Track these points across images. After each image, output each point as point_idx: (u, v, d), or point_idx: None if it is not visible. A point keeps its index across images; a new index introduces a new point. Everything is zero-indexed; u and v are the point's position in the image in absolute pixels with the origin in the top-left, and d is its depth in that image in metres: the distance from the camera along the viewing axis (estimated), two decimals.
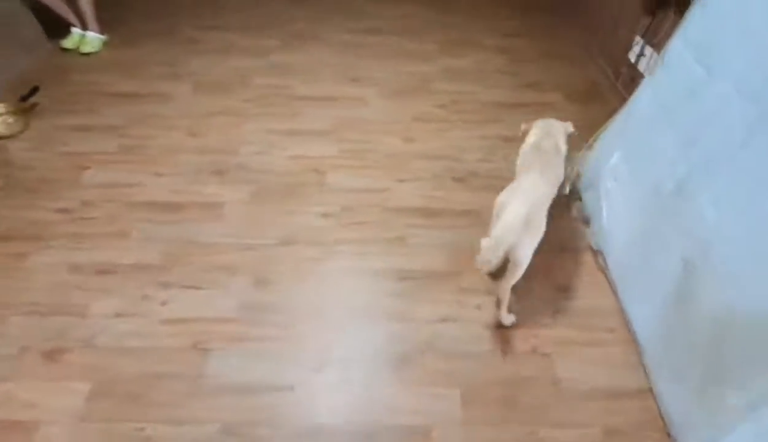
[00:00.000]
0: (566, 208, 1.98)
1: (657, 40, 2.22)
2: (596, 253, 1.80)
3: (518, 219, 1.35)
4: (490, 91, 2.74)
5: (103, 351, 1.47)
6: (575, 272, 1.76)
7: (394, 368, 1.47)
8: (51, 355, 1.45)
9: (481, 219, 1.90)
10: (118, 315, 1.56)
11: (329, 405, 1.39)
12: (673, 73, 1.58)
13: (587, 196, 1.94)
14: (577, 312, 1.63)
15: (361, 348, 1.53)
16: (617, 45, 2.62)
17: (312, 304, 1.63)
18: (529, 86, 2.80)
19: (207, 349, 1.48)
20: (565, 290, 1.70)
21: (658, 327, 1.44)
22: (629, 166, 1.72)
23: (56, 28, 2.86)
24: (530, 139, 1.74)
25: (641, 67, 2.36)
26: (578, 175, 2.00)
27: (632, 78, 2.38)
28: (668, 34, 1.62)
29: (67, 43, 2.89)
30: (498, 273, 1.51)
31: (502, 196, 1.49)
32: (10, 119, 2.26)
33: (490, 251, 1.31)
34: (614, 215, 1.75)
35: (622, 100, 1.85)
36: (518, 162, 1.70)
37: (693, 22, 1.52)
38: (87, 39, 2.91)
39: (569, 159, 1.81)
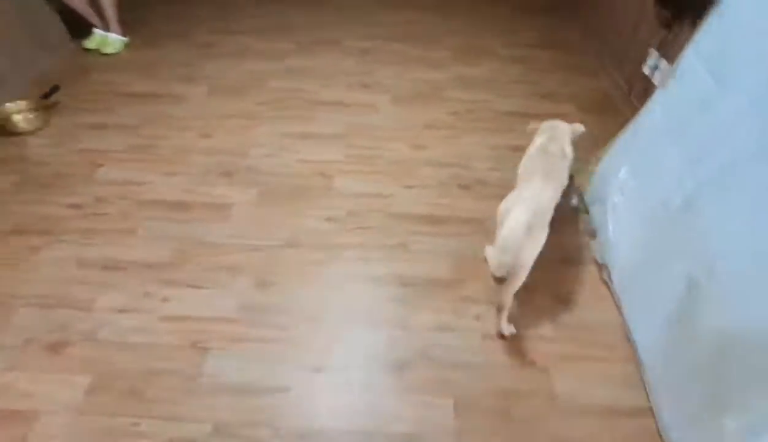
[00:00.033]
0: (573, 221, 1.96)
1: (672, 53, 2.18)
2: (601, 266, 1.77)
3: (520, 225, 1.34)
4: (504, 101, 2.73)
5: (105, 345, 1.49)
6: (579, 284, 1.74)
7: (390, 374, 1.46)
8: (54, 347, 1.48)
9: (484, 227, 1.90)
10: (121, 311, 1.58)
11: (324, 408, 1.39)
12: (685, 85, 1.56)
13: (594, 210, 1.91)
14: (579, 325, 1.61)
15: (358, 353, 1.52)
16: (632, 57, 2.59)
17: (313, 307, 1.64)
18: (543, 96, 2.78)
19: (206, 348, 1.50)
20: (567, 303, 1.67)
21: (659, 344, 1.40)
22: (637, 181, 1.70)
23: (79, 28, 2.94)
24: (536, 141, 1.73)
25: (655, 80, 2.33)
26: (585, 189, 1.97)
27: (646, 90, 2.35)
28: (683, 47, 1.60)
29: (90, 43, 2.98)
30: (503, 280, 1.50)
31: (505, 204, 1.48)
32: (31, 116, 2.33)
33: (496, 258, 1.34)
34: (620, 229, 1.73)
35: (636, 112, 1.82)
36: (522, 164, 1.69)
37: (707, 33, 1.49)
38: (109, 40, 2.99)
39: (580, 170, 1.78)
